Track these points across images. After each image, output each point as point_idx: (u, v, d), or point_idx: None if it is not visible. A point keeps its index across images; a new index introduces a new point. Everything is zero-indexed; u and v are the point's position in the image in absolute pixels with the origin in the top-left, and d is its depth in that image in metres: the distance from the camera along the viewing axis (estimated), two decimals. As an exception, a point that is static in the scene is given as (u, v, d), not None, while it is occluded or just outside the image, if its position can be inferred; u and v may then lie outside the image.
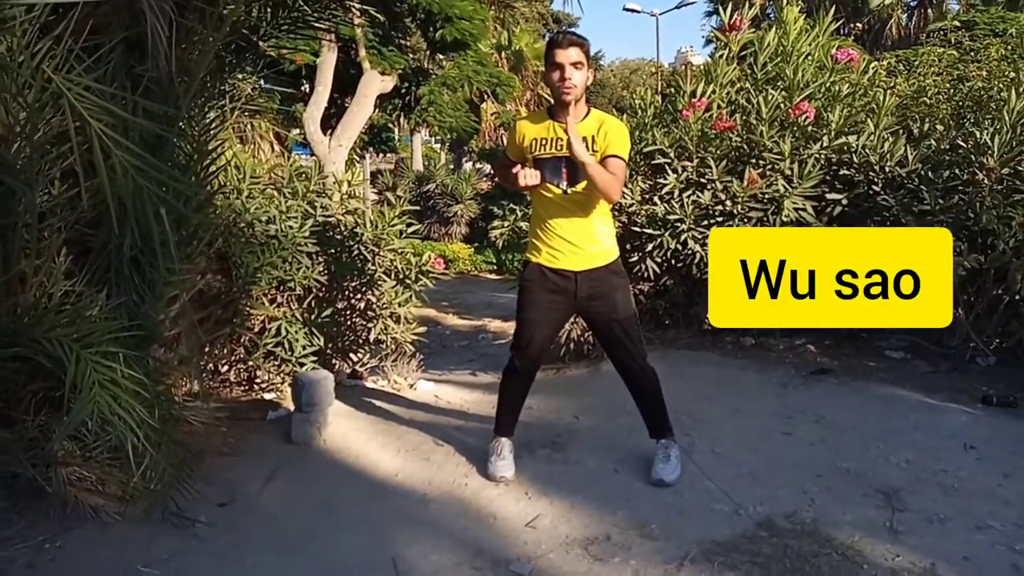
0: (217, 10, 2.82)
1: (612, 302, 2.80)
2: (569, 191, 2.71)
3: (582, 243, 2.75)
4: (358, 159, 17.56)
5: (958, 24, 13.83)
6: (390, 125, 15.88)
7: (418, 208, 13.06)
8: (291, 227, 3.85)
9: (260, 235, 3.76)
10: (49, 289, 2.40)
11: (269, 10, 3.31)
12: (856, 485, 2.74)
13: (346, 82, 13.32)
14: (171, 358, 3.26)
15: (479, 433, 3.36)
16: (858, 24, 19.59)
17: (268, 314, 3.75)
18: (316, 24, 3.52)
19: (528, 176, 2.69)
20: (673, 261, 4.28)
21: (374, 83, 12.78)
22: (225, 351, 3.76)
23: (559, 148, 2.69)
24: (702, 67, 5.08)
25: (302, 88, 13.68)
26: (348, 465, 3.12)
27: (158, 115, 2.54)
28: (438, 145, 24.92)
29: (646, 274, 4.29)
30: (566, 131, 2.62)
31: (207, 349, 3.61)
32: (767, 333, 4.39)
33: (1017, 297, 3.64)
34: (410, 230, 4.36)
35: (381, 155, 21.90)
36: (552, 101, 2.79)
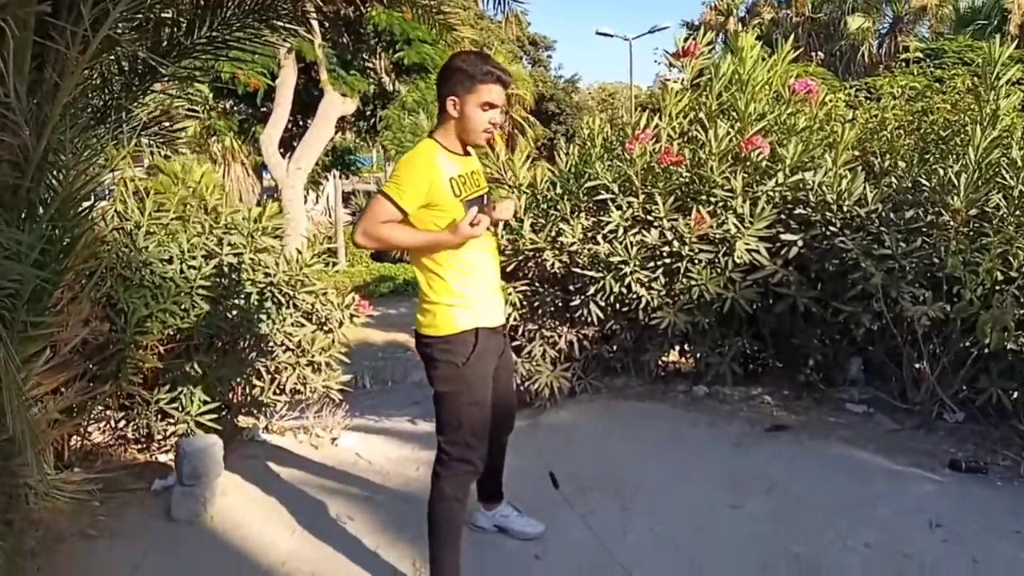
0: (79, 31, 2.46)
1: (509, 354, 2.53)
2: (491, 228, 2.34)
3: (500, 289, 2.42)
4: (323, 181, 17.19)
5: (923, 54, 13.75)
6: (351, 148, 15.52)
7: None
8: (192, 267, 3.47)
9: (155, 278, 3.37)
10: None
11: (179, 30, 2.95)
12: (807, 577, 2.39)
13: (307, 103, 12.99)
14: (39, 419, 2.86)
15: (391, 505, 2.98)
16: (819, 54, 19.53)
17: (157, 367, 3.34)
18: (235, 45, 3.17)
19: (484, 220, 2.17)
20: (618, 305, 3.93)
21: (335, 105, 12.46)
22: (110, 411, 3.35)
23: (477, 185, 2.33)
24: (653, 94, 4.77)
25: (262, 109, 13.30)
26: (233, 548, 2.72)
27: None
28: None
29: (589, 319, 3.93)
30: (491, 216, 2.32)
31: (87, 407, 3.20)
32: (720, 382, 4.05)
33: (986, 351, 3.31)
34: (333, 269, 3.99)
35: (357, 177, 21.48)
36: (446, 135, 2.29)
